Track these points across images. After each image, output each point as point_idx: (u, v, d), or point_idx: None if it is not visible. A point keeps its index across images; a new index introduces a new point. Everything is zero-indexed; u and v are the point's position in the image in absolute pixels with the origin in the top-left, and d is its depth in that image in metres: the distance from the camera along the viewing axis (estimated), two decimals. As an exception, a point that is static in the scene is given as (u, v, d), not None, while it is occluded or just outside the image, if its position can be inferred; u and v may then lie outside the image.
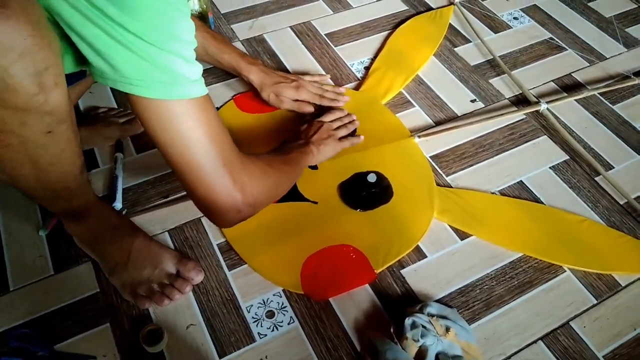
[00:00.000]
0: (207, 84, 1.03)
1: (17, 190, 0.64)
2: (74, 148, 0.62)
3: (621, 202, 0.93)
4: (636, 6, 1.34)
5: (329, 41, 1.20)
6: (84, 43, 0.50)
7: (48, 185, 0.63)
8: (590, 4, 1.34)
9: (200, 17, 1.11)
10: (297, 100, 0.98)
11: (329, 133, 0.92)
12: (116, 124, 0.96)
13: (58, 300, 0.77)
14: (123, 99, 1.04)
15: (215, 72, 1.08)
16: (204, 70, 0.57)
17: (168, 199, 0.89)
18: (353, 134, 0.96)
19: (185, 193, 0.90)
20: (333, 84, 1.08)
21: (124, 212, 0.87)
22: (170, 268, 0.78)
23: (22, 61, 0.48)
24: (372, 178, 0.92)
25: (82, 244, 0.79)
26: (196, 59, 0.56)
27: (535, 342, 0.76)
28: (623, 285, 0.82)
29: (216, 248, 0.84)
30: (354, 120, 0.98)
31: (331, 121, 0.95)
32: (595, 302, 0.80)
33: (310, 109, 0.99)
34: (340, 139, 0.93)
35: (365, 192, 0.90)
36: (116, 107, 1.03)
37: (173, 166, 0.59)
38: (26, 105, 0.51)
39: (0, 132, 0.53)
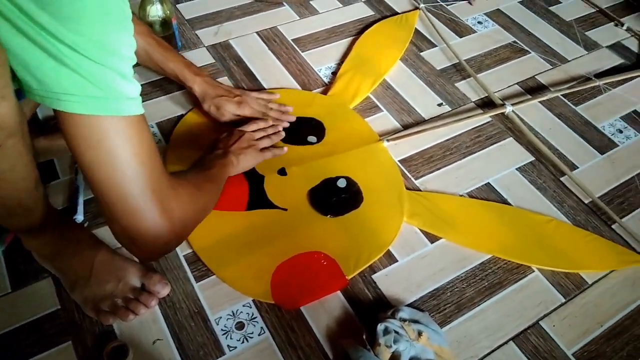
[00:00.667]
0: (154, 98, 1.02)
1: None
2: (26, 162, 0.58)
3: (586, 202, 0.94)
4: (595, 10, 1.38)
5: (295, 46, 1.19)
6: (11, 54, 0.46)
7: (0, 202, 0.60)
8: (551, 8, 1.37)
9: (164, 23, 1.08)
10: (238, 116, 0.96)
11: (249, 143, 0.89)
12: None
13: (17, 318, 0.74)
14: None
15: (162, 86, 1.06)
16: (151, 84, 0.55)
17: (132, 209, 0.87)
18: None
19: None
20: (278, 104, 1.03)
21: (85, 225, 0.84)
22: (135, 282, 0.75)
23: None
24: (342, 183, 0.91)
25: (42, 259, 0.76)
26: (134, 75, 0.52)
27: (506, 342, 0.76)
28: (590, 283, 0.83)
29: (182, 259, 0.81)
30: (278, 132, 0.96)
31: (253, 131, 0.92)
32: (564, 300, 0.81)
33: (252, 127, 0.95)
34: (262, 149, 0.91)
35: (335, 197, 0.89)
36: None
37: (97, 191, 0.52)
38: None
39: None
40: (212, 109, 0.96)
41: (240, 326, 0.75)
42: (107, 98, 0.48)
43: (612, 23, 1.34)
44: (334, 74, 1.13)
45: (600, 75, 1.18)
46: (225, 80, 1.09)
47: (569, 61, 1.22)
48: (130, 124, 0.51)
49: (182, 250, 0.82)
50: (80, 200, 0.85)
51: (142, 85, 1.01)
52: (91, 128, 0.49)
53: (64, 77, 0.46)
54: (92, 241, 0.76)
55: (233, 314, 0.76)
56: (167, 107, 1.03)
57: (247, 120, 0.95)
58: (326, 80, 1.12)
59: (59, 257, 0.75)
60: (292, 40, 1.20)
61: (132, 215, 0.53)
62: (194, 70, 0.96)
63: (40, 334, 0.73)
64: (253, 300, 0.78)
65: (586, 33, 1.30)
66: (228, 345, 0.73)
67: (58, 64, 0.46)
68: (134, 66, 0.51)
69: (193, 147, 0.94)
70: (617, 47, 1.27)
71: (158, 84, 1.05)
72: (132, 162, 0.51)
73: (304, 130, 1.00)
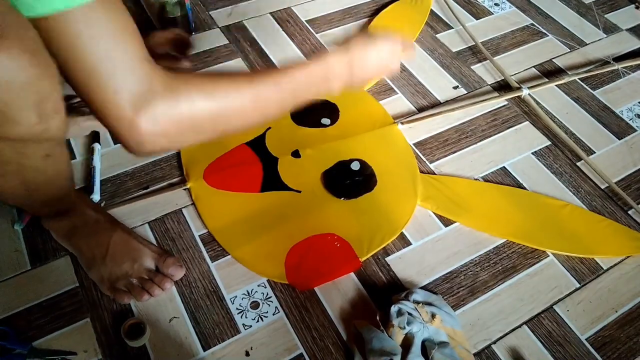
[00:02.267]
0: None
1: None
2: (69, 166, 0.60)
3: (602, 187, 0.93)
4: (615, -8, 1.35)
5: (310, 28, 1.18)
6: None
7: (38, 198, 0.62)
8: (570, -10, 1.34)
9: (177, 4, 1.08)
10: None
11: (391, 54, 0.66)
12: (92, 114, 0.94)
13: (36, 295, 0.75)
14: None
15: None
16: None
17: (148, 190, 0.87)
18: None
19: (165, 184, 0.88)
20: None
21: (102, 205, 0.85)
22: (150, 263, 0.76)
23: (23, 94, 0.45)
24: (355, 166, 0.91)
25: (60, 237, 0.77)
26: None
27: (519, 326, 0.76)
28: (605, 268, 0.83)
29: (198, 239, 0.82)
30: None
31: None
32: (578, 285, 0.81)
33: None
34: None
35: (349, 180, 0.89)
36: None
37: (74, 78, 0.48)
38: (26, 136, 0.48)
39: None
40: None
41: (255, 305, 0.76)
42: None
43: (633, 5, 1.31)
44: (349, 55, 1.12)
45: (619, 58, 1.16)
46: (238, 61, 1.09)
47: (587, 44, 1.20)
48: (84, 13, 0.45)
49: (197, 231, 0.83)
50: (97, 181, 0.86)
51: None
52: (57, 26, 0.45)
53: None
54: (109, 221, 0.77)
55: (248, 293, 0.77)
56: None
57: None
58: (341, 62, 1.11)
59: (76, 236, 0.76)
60: (307, 21, 1.19)
61: (104, 116, 0.49)
62: None
63: (58, 311, 0.74)
64: (267, 280, 0.78)
65: (605, 15, 1.28)
66: (243, 324, 0.74)
67: None
68: None
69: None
70: (637, 30, 1.25)
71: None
72: (98, 62, 0.47)
73: (318, 113, 0.99)
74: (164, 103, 0.50)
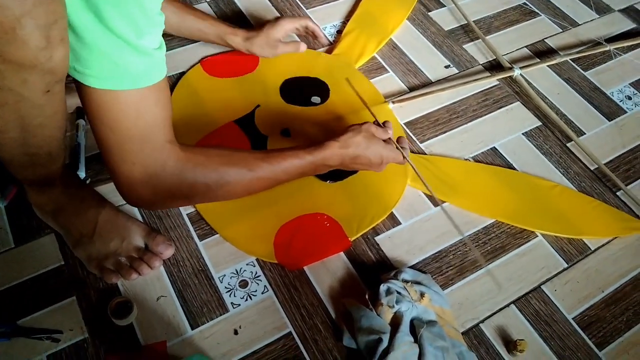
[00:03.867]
0: (169, 49, 0.99)
1: None
2: (65, 109, 0.59)
3: (592, 168, 0.94)
4: (608, -28, 1.33)
5: (300, 3, 1.16)
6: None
7: (31, 150, 0.60)
8: (563, -31, 1.33)
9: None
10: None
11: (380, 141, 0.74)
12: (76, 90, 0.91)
13: (20, 273, 0.74)
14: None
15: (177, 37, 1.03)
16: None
17: (134, 167, 0.86)
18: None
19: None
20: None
21: (87, 182, 0.83)
22: (139, 241, 0.75)
23: (35, 11, 0.44)
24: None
25: (45, 215, 0.76)
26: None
27: (507, 306, 0.77)
28: (592, 249, 0.84)
29: (186, 218, 0.81)
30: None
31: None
32: (566, 266, 0.81)
33: (304, 46, 0.98)
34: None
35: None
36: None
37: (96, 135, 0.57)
38: (32, 60, 0.48)
39: None
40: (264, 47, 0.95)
41: (243, 284, 0.75)
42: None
43: (626, -14, 1.30)
44: (339, 32, 1.10)
45: (611, 39, 1.16)
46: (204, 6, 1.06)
47: (579, 25, 1.19)
48: (131, 96, 0.54)
49: (185, 210, 0.82)
50: (82, 157, 0.84)
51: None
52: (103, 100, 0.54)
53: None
54: (96, 199, 0.76)
55: (237, 272, 0.76)
56: (168, 64, 1.00)
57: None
58: (331, 38, 1.10)
59: (62, 213, 0.74)
60: (297, -3, 1.17)
61: (112, 171, 0.59)
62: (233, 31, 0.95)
63: (43, 289, 0.73)
64: (256, 259, 0.78)
65: (598, -4, 1.27)
66: (232, 303, 0.74)
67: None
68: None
69: (196, 106, 0.93)
70: (630, 11, 1.24)
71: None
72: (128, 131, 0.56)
73: (308, 91, 0.98)
74: (169, 179, 0.59)
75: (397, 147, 0.76)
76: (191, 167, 0.61)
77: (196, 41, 1.03)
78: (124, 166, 0.57)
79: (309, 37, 1.02)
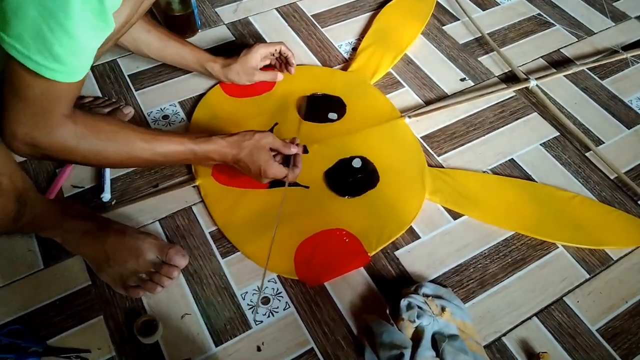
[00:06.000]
0: (175, 77, 1.01)
1: None
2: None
3: (612, 177, 0.93)
4: (623, -21, 1.33)
5: (315, 22, 1.18)
6: None
7: None
8: (577, -22, 1.33)
9: (183, 1, 1.08)
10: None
11: (275, 162, 0.79)
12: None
13: (49, 294, 0.76)
14: (108, 87, 1.02)
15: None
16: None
17: (157, 188, 0.88)
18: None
19: (175, 182, 0.89)
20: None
21: (112, 203, 0.85)
22: (152, 256, 0.76)
23: None
24: (357, 163, 0.91)
25: (63, 245, 0.78)
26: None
27: (529, 318, 0.76)
28: (615, 259, 0.83)
29: (208, 236, 0.83)
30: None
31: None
32: (588, 276, 0.81)
33: (280, 75, 1.00)
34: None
35: (352, 178, 0.89)
36: (101, 96, 1.01)
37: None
38: None
39: None
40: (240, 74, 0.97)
41: (265, 301, 0.77)
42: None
43: (641, -7, 1.30)
44: (355, 49, 1.12)
45: (627, 47, 1.15)
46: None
47: (595, 33, 1.19)
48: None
49: (207, 228, 0.83)
50: (107, 179, 0.87)
51: (160, 65, 0.99)
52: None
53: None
54: (98, 227, 0.77)
55: (259, 289, 0.78)
56: (187, 86, 1.03)
57: None
58: (346, 56, 1.11)
59: (72, 246, 0.78)
60: (312, 15, 1.19)
61: (2, 123, 0.61)
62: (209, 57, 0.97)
63: (72, 309, 0.75)
64: (278, 276, 0.79)
65: (613, 4, 1.27)
66: (254, 320, 0.75)
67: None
68: None
69: (216, 126, 0.95)
70: (646, 18, 1.24)
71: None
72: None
73: (325, 107, 1.00)
74: (53, 145, 0.62)
75: (290, 167, 0.80)
76: (75, 138, 0.64)
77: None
78: (12, 124, 0.60)
79: (282, 63, 1.02)
